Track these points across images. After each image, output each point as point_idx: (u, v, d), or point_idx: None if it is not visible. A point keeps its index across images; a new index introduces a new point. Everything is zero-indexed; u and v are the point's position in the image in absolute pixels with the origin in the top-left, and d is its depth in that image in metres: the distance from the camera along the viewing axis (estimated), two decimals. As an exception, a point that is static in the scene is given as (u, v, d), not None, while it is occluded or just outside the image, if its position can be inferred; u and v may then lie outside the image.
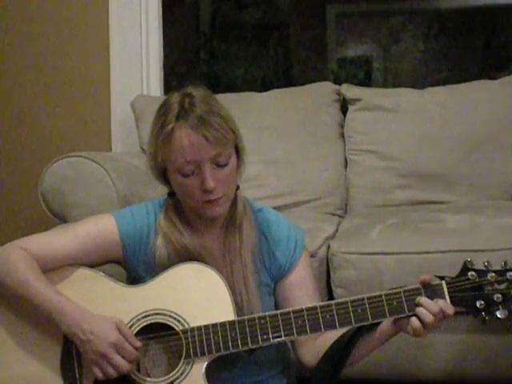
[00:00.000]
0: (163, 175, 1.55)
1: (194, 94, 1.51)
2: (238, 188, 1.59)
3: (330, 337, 1.52)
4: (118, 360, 1.43)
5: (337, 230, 2.20)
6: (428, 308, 1.42)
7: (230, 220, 1.59)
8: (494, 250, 1.87)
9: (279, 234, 1.62)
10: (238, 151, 1.54)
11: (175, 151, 1.47)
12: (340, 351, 1.49)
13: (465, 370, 1.98)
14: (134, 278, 1.60)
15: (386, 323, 1.48)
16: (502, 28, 3.18)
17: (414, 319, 1.42)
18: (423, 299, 1.43)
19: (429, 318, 1.41)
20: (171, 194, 1.60)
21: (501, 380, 1.97)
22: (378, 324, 1.48)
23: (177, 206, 1.60)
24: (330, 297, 2.03)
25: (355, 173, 2.58)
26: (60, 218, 2.26)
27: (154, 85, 2.96)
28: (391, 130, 2.56)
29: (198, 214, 1.56)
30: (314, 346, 1.57)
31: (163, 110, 1.51)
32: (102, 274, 1.56)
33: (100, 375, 1.44)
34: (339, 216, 2.49)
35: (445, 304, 1.42)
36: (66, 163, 2.26)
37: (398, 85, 3.04)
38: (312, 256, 1.97)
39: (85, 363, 1.48)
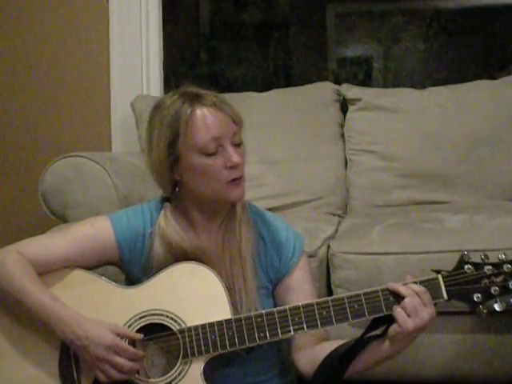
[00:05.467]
0: (171, 169, 1.53)
1: (190, 89, 1.54)
2: None
3: (328, 347, 1.52)
4: (120, 361, 1.43)
5: (337, 230, 2.20)
6: (401, 291, 1.43)
7: (229, 220, 1.59)
8: (493, 250, 1.86)
9: (277, 237, 1.62)
10: None
11: (200, 130, 1.48)
12: (337, 362, 1.49)
13: (465, 370, 1.98)
14: (131, 279, 1.60)
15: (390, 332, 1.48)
16: (502, 28, 3.18)
17: (397, 309, 1.43)
18: (391, 284, 1.44)
19: (408, 304, 1.41)
20: (166, 199, 1.60)
21: (501, 380, 1.97)
22: (384, 333, 1.48)
23: (176, 207, 1.60)
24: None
25: (355, 173, 2.58)
26: (60, 217, 2.26)
27: (154, 85, 2.96)
28: (391, 130, 2.56)
29: (202, 208, 1.55)
30: (311, 354, 1.56)
31: (166, 105, 1.52)
32: (98, 275, 1.56)
33: (102, 378, 1.44)
34: (339, 216, 2.49)
35: (415, 286, 1.43)
36: (65, 163, 2.26)
37: (397, 85, 3.04)
38: (312, 256, 1.97)
39: (83, 366, 1.48)
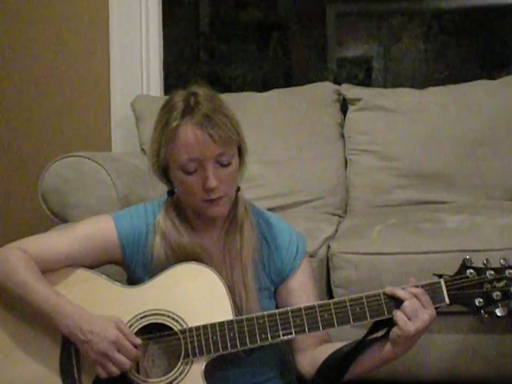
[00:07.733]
0: (165, 173, 1.55)
1: (199, 92, 1.51)
2: (238, 189, 1.59)
3: (329, 349, 1.53)
4: (119, 358, 1.43)
5: (337, 230, 2.20)
6: (399, 295, 1.43)
7: (231, 221, 1.59)
8: (493, 250, 1.87)
9: (280, 238, 1.62)
10: (240, 152, 1.54)
11: (179, 148, 1.46)
12: (338, 364, 1.49)
13: (465, 370, 1.98)
14: (133, 279, 1.60)
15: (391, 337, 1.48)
16: (501, 28, 3.18)
17: (397, 313, 1.43)
18: (389, 288, 1.45)
19: (407, 307, 1.42)
20: (170, 193, 1.59)
21: (501, 380, 1.97)
22: (385, 336, 1.49)
23: (177, 206, 1.59)
24: (330, 297, 2.03)
25: (355, 173, 2.58)
26: (60, 218, 2.26)
27: (154, 85, 2.96)
28: (391, 130, 2.56)
29: (198, 213, 1.56)
30: (312, 356, 1.56)
31: (167, 108, 1.51)
32: (100, 274, 1.56)
33: (102, 374, 1.44)
34: (339, 216, 2.49)
35: (412, 288, 1.44)
36: (66, 163, 2.26)
37: (398, 85, 3.03)
38: (312, 256, 1.97)
39: (84, 363, 1.48)
